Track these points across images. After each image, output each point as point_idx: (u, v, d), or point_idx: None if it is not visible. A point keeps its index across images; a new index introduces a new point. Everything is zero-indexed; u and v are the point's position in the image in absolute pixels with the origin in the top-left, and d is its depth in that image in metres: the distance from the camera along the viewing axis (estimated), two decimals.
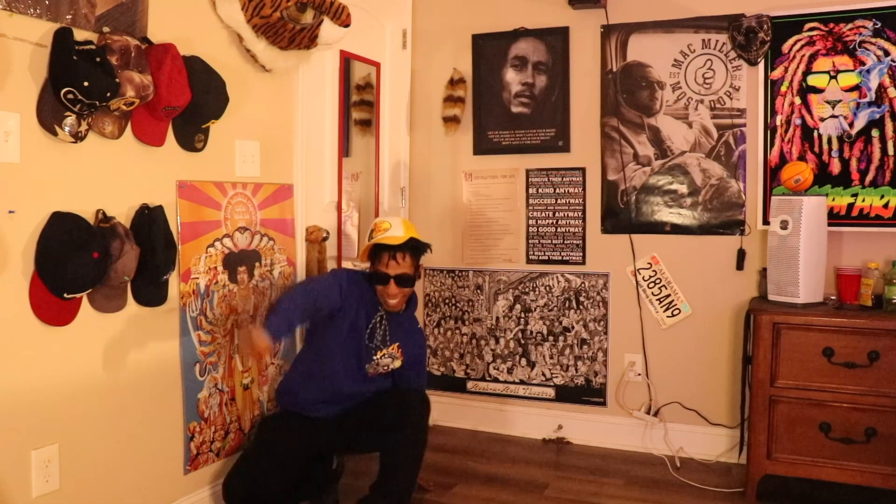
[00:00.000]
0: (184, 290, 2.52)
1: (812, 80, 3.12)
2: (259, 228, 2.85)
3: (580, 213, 3.59)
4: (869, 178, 3.05)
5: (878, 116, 3.02)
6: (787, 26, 3.14)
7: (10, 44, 1.93)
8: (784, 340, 2.83)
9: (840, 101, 3.08)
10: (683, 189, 3.38)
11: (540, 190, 3.67)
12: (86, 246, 2.05)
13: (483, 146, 3.75)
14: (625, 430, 3.52)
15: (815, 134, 3.13)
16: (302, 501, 2.73)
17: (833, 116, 3.09)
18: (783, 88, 3.17)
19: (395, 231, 2.70)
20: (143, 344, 2.38)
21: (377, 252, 2.71)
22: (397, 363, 2.80)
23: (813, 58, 3.12)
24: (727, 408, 3.35)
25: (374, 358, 2.74)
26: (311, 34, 2.69)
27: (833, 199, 3.09)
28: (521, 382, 3.73)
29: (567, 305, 3.62)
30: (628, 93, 3.46)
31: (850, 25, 3.05)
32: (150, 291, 2.36)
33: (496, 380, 3.78)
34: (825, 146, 3.11)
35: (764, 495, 2.92)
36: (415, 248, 2.72)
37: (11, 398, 1.98)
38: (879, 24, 3.00)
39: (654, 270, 3.46)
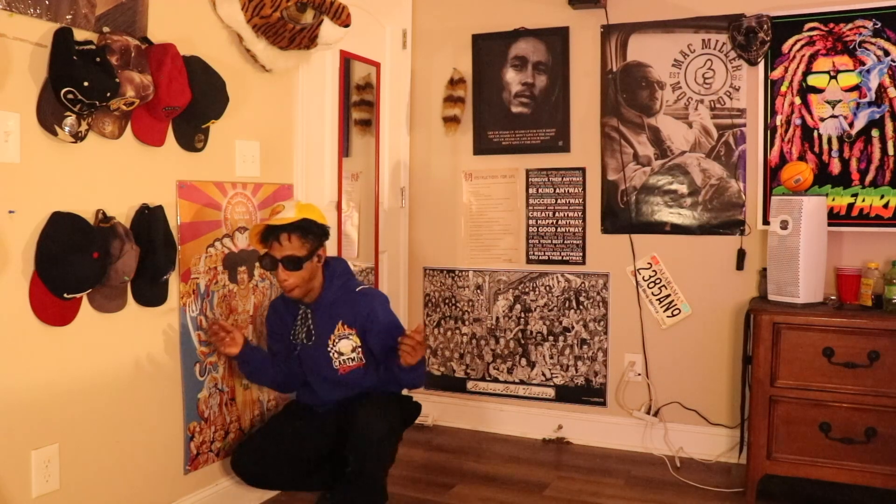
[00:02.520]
0: (184, 290, 2.52)
1: (812, 80, 3.12)
2: None
3: (580, 213, 3.59)
4: (869, 178, 3.05)
5: (878, 116, 3.02)
6: (787, 26, 3.14)
7: (10, 44, 1.93)
8: (784, 340, 2.83)
9: (840, 101, 3.08)
10: (683, 189, 3.38)
11: (540, 190, 3.67)
12: (86, 246, 2.05)
13: (483, 146, 3.75)
14: (625, 430, 3.52)
15: (815, 134, 3.13)
16: (317, 490, 2.82)
17: (833, 116, 3.09)
18: (783, 88, 3.17)
19: (286, 213, 2.57)
20: (143, 344, 2.38)
21: (267, 236, 2.59)
22: (356, 339, 2.66)
23: (813, 58, 3.12)
24: (727, 408, 3.34)
25: (329, 352, 2.65)
26: (311, 34, 2.69)
27: (833, 199, 3.09)
28: (521, 382, 3.73)
29: (567, 305, 3.62)
30: (628, 93, 3.46)
31: (850, 25, 3.05)
32: (150, 291, 2.36)
33: (496, 380, 3.78)
34: (825, 146, 3.11)
35: (764, 495, 2.91)
36: (301, 227, 2.55)
37: (11, 398, 1.98)
38: (879, 24, 3.00)
39: (654, 270, 3.46)
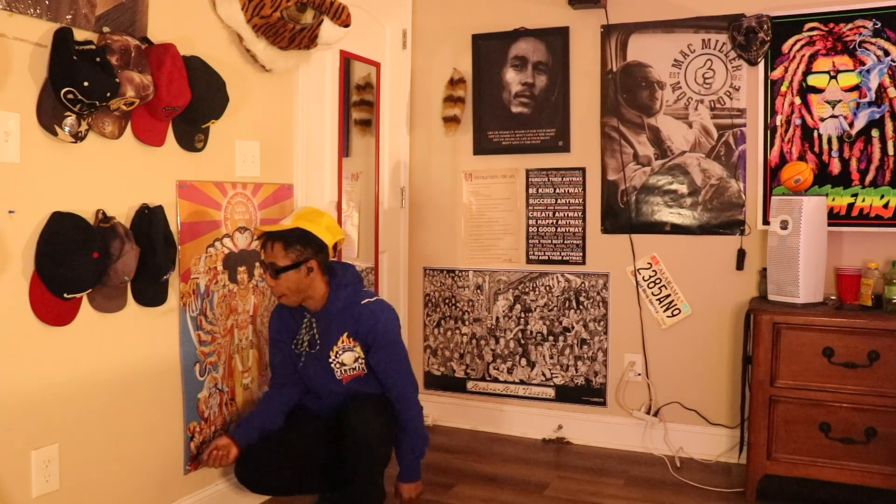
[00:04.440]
0: (184, 290, 2.52)
1: (812, 80, 3.12)
2: None
3: (580, 213, 3.59)
4: (869, 178, 3.05)
5: (878, 116, 3.02)
6: (787, 26, 3.14)
7: (10, 44, 1.93)
8: (784, 340, 2.83)
9: (840, 101, 3.08)
10: (683, 189, 3.38)
11: (540, 190, 3.67)
12: (86, 246, 2.05)
13: (483, 146, 3.75)
14: (625, 430, 3.52)
15: (815, 134, 3.13)
16: (317, 493, 2.79)
17: (833, 116, 3.09)
18: (783, 88, 3.17)
19: (284, 221, 2.66)
20: (143, 344, 2.38)
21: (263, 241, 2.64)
22: (360, 351, 2.64)
23: (813, 58, 3.12)
24: (727, 408, 3.35)
25: (331, 363, 2.64)
26: (311, 34, 2.69)
27: (833, 199, 3.09)
28: (521, 382, 3.73)
29: (567, 305, 3.62)
30: (628, 93, 3.46)
31: (850, 25, 3.05)
32: (150, 291, 2.36)
33: (496, 380, 3.78)
34: (825, 146, 3.11)
35: (764, 495, 2.92)
36: (285, 237, 2.52)
37: (11, 398, 1.98)
38: (879, 24, 3.00)
39: (654, 270, 3.46)
